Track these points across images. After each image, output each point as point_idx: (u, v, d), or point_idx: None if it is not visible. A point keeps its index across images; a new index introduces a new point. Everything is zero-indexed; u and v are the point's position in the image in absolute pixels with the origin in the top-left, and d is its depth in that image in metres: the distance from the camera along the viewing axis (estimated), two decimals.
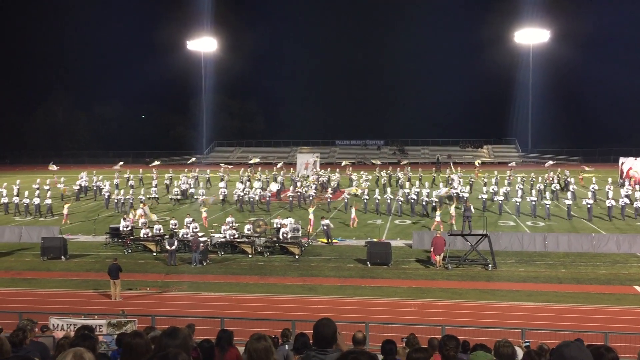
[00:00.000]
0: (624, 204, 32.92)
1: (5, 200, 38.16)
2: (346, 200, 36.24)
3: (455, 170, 46.78)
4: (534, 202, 33.63)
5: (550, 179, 42.96)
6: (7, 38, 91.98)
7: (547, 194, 36.09)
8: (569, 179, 42.27)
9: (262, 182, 43.39)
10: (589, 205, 32.51)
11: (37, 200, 36.51)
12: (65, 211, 33.52)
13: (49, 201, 36.70)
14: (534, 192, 37.90)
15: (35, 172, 64.23)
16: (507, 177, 44.09)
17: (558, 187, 40.32)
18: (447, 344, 5.86)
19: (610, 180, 38.32)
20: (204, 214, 31.02)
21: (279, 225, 26.45)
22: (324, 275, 22.30)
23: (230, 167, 52.95)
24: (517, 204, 34.01)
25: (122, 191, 38.99)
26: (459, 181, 40.59)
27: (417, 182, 43.86)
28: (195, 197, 40.14)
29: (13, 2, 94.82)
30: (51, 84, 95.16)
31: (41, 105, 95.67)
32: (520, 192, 35.37)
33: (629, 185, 38.20)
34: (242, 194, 37.44)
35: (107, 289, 19.99)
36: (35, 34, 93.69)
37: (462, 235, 24.58)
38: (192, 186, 43.51)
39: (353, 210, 31.65)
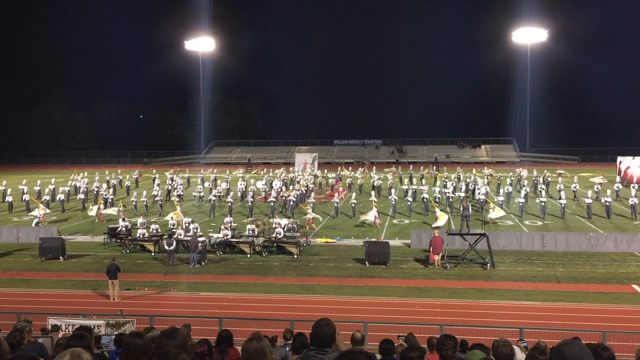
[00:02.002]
0: (633, 203, 32.83)
1: (9, 199, 38.20)
2: (336, 205, 34.89)
3: (480, 170, 46.36)
4: (543, 203, 33.52)
5: (519, 176, 43.74)
6: (5, 38, 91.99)
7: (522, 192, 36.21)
8: (547, 178, 42.32)
9: (247, 181, 43.13)
10: (607, 203, 32.72)
11: (48, 197, 38.00)
12: (40, 212, 33.65)
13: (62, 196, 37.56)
14: (501, 190, 38.08)
15: (33, 172, 64.20)
16: (486, 177, 44.19)
17: (528, 189, 40.31)
18: (445, 343, 5.88)
19: (635, 179, 38.52)
20: (177, 210, 31.40)
21: (276, 225, 26.46)
22: (323, 274, 22.30)
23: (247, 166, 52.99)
24: (521, 204, 33.98)
25: (144, 192, 38.68)
26: (483, 181, 40.60)
27: (422, 181, 43.76)
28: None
29: (12, 2, 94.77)
30: (49, 84, 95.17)
31: (39, 105, 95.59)
32: (523, 193, 35.42)
33: (597, 185, 38.58)
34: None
35: (106, 289, 19.97)
36: (34, 34, 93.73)
37: (460, 234, 24.61)
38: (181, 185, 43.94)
39: (375, 211, 30.71)
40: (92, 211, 33.67)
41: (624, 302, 18.58)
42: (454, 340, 5.96)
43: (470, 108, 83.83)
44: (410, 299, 19.08)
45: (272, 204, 35.30)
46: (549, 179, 43.36)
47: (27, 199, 37.88)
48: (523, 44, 78.63)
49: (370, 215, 30.16)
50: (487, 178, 43.24)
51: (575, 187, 39.03)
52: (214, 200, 36.29)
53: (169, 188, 42.89)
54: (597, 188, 37.48)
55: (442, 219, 29.14)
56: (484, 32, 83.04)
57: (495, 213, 30.29)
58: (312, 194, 37.95)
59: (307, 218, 30.59)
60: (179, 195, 40.03)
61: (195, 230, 25.86)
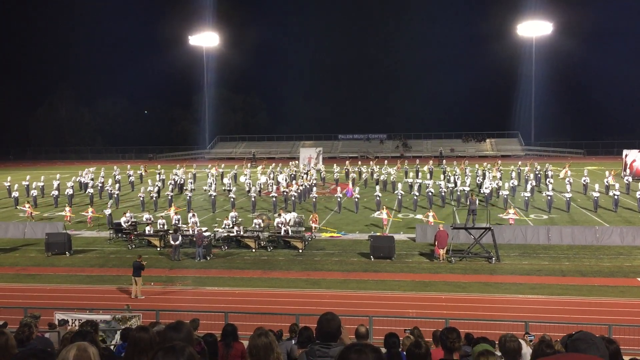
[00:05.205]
0: None
1: (16, 194, 38.30)
2: (339, 200, 34.47)
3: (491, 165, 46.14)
4: (550, 197, 33.23)
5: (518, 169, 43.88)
6: (11, 35, 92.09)
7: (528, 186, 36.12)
8: (548, 172, 42.20)
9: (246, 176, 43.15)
10: (615, 196, 32.60)
11: (55, 192, 38.36)
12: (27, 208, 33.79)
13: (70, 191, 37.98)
14: (506, 184, 37.99)
15: (38, 168, 64.37)
16: (479, 170, 43.83)
17: (534, 182, 40.02)
18: (449, 336, 5.87)
19: None
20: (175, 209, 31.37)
21: (279, 224, 26.38)
22: (328, 269, 22.35)
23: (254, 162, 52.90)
24: (526, 198, 33.80)
25: (149, 187, 38.70)
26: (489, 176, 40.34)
27: (428, 175, 43.53)
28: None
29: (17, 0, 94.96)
30: (55, 81, 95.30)
31: (45, 101, 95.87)
32: (529, 187, 35.30)
33: (609, 176, 38.51)
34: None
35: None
36: (39, 31, 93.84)
37: (465, 228, 24.55)
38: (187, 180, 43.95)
39: (384, 212, 29.75)
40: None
41: (629, 295, 18.55)
42: (457, 332, 5.95)
43: (475, 102, 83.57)
44: (416, 293, 19.11)
45: (273, 199, 35.21)
46: (550, 172, 43.09)
47: (35, 194, 38.03)
48: (528, 38, 78.22)
49: (383, 214, 29.68)
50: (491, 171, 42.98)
51: (585, 181, 38.85)
52: (214, 196, 36.26)
53: (181, 182, 43.19)
54: (607, 182, 37.29)
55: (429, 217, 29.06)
56: (488, 26, 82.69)
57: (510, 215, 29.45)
58: (315, 189, 37.87)
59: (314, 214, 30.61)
60: (190, 190, 40.13)
61: (194, 224, 25.96)
